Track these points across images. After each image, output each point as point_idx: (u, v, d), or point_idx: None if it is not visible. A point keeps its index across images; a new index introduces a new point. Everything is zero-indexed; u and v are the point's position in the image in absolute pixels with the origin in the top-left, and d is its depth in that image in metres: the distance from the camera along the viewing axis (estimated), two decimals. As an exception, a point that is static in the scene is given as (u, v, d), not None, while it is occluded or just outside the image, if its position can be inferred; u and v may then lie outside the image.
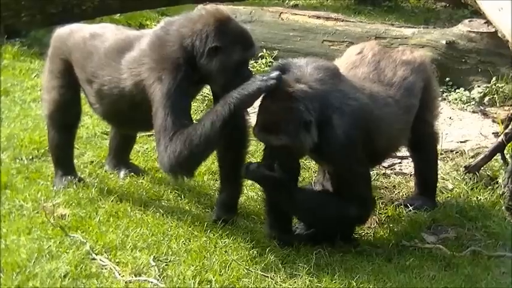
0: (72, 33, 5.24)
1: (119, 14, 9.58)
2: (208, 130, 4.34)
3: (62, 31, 5.34)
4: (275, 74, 4.36)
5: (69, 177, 5.31)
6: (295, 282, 4.23)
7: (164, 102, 4.47)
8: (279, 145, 4.32)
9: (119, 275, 4.20)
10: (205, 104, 6.78)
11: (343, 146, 4.39)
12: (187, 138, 4.38)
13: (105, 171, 5.64)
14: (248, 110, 4.72)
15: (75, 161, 5.53)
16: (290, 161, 4.51)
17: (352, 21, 8.43)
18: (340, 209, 4.51)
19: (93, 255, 4.37)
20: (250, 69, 4.77)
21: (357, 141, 4.46)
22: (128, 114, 4.98)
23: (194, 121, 4.60)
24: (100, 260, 4.34)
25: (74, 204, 4.99)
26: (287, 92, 4.32)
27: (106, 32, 5.15)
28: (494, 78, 7.46)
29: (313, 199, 4.62)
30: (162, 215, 4.91)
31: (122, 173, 5.58)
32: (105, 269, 4.27)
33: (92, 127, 6.37)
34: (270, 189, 4.57)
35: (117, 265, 4.30)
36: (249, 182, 5.38)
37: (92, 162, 5.78)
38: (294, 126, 4.28)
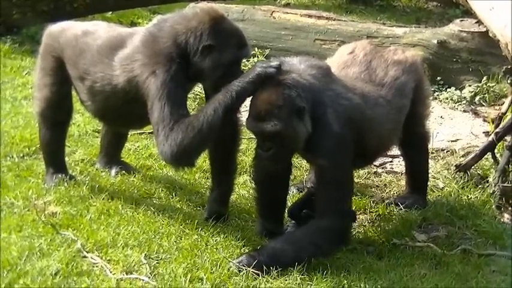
0: (64, 31, 5.23)
1: (110, 12, 9.56)
2: (211, 117, 4.34)
3: (53, 29, 5.32)
4: (275, 63, 4.39)
5: (60, 175, 5.30)
6: (286, 280, 4.22)
7: (160, 94, 4.47)
8: (273, 132, 4.29)
9: (110, 272, 4.18)
10: (196, 103, 6.78)
11: (334, 145, 4.39)
12: (190, 126, 4.37)
13: (97, 169, 5.63)
14: (240, 108, 4.71)
15: (66, 158, 5.52)
16: (284, 152, 4.47)
17: (344, 20, 8.44)
18: (321, 239, 4.40)
19: (84, 253, 4.35)
20: (243, 69, 4.77)
21: (347, 141, 4.45)
22: (119, 111, 4.98)
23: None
24: (91, 257, 4.32)
25: (65, 202, 4.97)
26: (279, 80, 4.33)
27: (98, 30, 5.15)
28: (485, 78, 7.49)
29: (293, 250, 4.36)
30: (154, 212, 4.91)
31: (113, 171, 5.57)
32: (96, 266, 4.25)
33: (84, 125, 6.36)
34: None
35: (108, 263, 4.28)
36: (241, 180, 5.41)
37: (83, 160, 5.77)
38: (287, 112, 4.27)
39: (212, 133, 4.41)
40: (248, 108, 4.43)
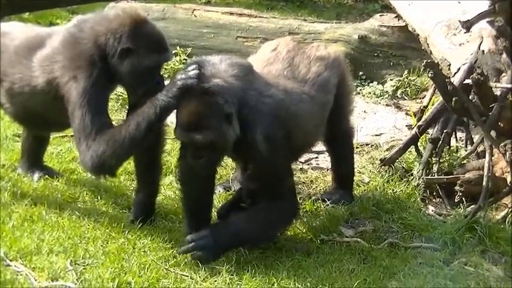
0: (-22, 34, 5.12)
1: (27, 13, 9.38)
2: (133, 131, 4.31)
3: (-33, 32, 5.20)
4: (193, 71, 4.33)
5: (-19, 182, 5.19)
6: (215, 281, 4.21)
7: (81, 101, 4.42)
8: (205, 142, 4.28)
9: (35, 280, 4.10)
10: (119, 103, 6.71)
11: (265, 145, 4.37)
12: (111, 138, 4.35)
13: (18, 174, 5.52)
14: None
15: (-14, 164, 5.41)
16: (215, 157, 4.46)
17: (266, 17, 8.48)
18: (273, 218, 4.53)
19: (8, 261, 4.26)
20: (163, 71, 4.72)
21: (277, 138, 4.45)
22: (39, 113, 4.91)
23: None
24: (15, 266, 4.23)
25: (-14, 209, 4.87)
26: (204, 88, 4.29)
27: (14, 30, 5.07)
28: (406, 72, 7.61)
29: (247, 226, 4.50)
30: (79, 217, 4.83)
31: (36, 176, 5.47)
32: (21, 275, 4.15)
33: (3, 129, 6.23)
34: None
35: (33, 270, 4.20)
36: (167, 181, 5.36)
37: (4, 165, 5.66)
38: (216, 120, 4.25)
39: (134, 147, 4.41)
40: (176, 117, 4.38)
